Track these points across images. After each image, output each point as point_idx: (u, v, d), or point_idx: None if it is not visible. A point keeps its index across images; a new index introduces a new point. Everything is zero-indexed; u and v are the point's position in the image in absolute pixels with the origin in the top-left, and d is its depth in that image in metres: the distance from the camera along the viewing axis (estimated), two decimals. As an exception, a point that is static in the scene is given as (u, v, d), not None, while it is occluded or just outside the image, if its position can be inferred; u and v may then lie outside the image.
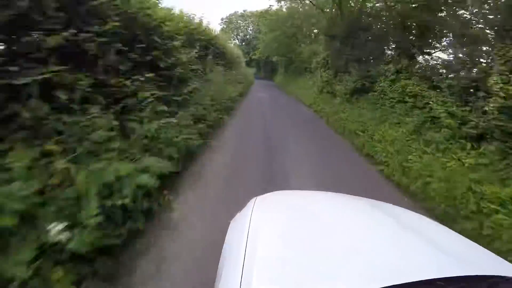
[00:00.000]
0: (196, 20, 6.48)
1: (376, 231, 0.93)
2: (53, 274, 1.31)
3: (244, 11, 38.25)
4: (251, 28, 37.57)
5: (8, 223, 1.27)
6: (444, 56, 5.71)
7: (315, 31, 16.56)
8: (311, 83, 12.98)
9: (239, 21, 38.94)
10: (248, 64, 31.68)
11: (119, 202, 1.73)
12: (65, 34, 1.95)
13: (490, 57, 3.98)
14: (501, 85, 3.23)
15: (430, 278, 0.64)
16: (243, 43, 37.30)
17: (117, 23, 2.48)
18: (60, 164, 1.63)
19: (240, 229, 0.96)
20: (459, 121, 3.85)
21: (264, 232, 0.91)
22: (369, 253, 0.78)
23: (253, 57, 32.66)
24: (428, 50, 5.92)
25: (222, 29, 38.13)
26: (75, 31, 2.08)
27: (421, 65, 5.70)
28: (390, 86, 5.73)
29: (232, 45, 17.27)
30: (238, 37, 38.55)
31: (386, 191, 3.60)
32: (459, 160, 3.39)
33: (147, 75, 2.90)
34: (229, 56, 11.05)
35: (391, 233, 0.93)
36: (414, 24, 6.21)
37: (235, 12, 39.18)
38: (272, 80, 26.85)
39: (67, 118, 1.87)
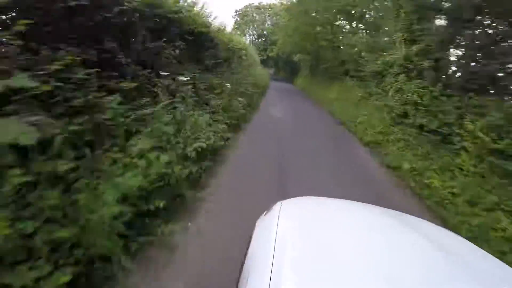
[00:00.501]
0: None
1: (401, 244, 0.93)
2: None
3: (259, 3, 33.34)
4: (269, 23, 32.59)
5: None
6: None
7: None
8: (360, 95, 7.98)
9: (254, 14, 34.02)
10: (265, 62, 26.81)
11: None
12: None
13: None
14: None
15: None
16: (259, 39, 32.53)
17: None
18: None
19: (267, 234, 0.95)
20: None
21: (292, 238, 0.90)
22: (394, 266, 0.78)
23: (270, 54, 27.69)
24: None
25: (235, 22, 33.70)
26: None
27: None
28: None
29: (233, 33, 12.26)
30: (254, 31, 33.76)
31: None
32: None
33: None
34: (225, 50, 6.33)
35: (416, 248, 0.91)
36: None
37: (249, 4, 34.36)
38: (292, 83, 21.85)
39: None
